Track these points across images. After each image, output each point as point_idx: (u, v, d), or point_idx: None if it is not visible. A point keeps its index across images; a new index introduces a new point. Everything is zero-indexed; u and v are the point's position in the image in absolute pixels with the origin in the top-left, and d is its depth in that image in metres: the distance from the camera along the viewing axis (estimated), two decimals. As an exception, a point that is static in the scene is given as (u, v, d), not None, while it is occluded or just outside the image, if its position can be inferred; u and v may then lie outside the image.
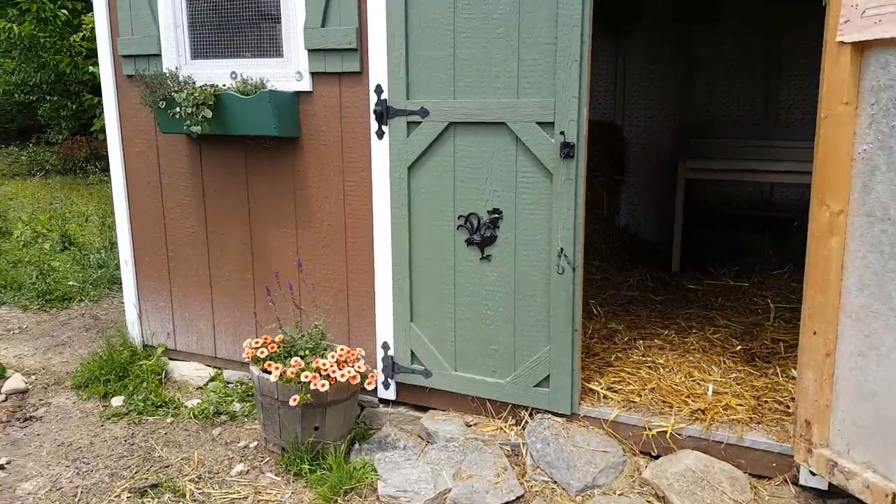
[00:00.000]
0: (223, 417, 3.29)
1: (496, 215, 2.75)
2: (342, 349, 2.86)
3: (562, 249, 2.61)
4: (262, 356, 2.85)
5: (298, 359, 2.80)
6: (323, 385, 2.71)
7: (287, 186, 3.15)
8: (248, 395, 3.42)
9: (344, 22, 2.83)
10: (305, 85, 2.98)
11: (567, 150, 2.50)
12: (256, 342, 2.85)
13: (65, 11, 9.74)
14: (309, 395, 2.72)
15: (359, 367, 2.83)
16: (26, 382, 3.45)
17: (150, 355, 3.60)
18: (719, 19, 5.07)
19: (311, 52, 2.92)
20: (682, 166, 4.78)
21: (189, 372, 3.53)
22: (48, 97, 12.43)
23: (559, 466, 2.62)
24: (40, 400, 3.38)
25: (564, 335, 2.74)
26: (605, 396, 2.98)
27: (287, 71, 3.00)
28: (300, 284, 3.20)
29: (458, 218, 2.82)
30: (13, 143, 14.44)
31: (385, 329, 3.07)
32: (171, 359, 3.63)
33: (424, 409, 3.13)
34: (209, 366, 3.58)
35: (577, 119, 2.49)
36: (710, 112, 5.27)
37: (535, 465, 2.68)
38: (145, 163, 3.46)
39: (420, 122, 2.78)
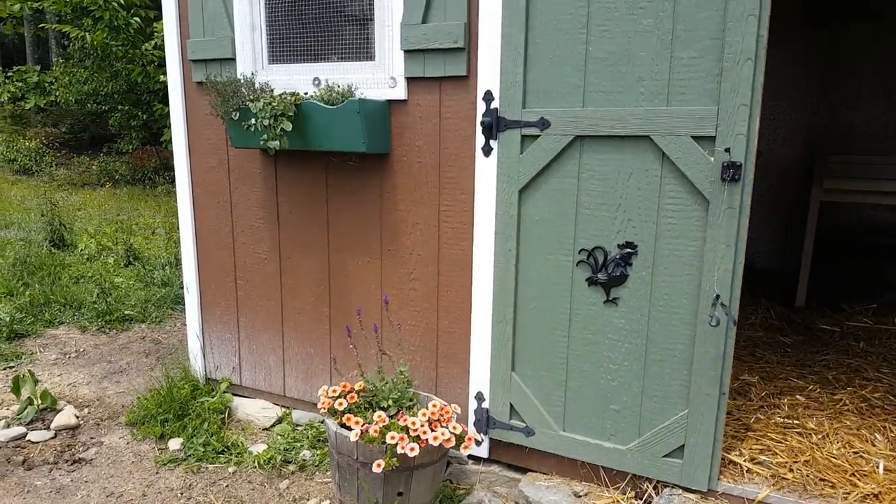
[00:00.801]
0: (291, 468, 2.93)
1: (629, 250, 2.29)
2: (434, 405, 2.45)
3: (718, 297, 2.13)
4: (341, 408, 2.47)
5: (382, 413, 2.40)
6: (412, 449, 2.31)
7: (372, 210, 2.79)
8: (319, 441, 3.06)
9: (449, 16, 2.45)
10: (399, 92, 2.61)
11: (732, 172, 2.02)
12: (334, 391, 2.47)
13: (137, 19, 9.87)
14: (395, 460, 2.32)
15: (453, 428, 2.41)
16: (78, 417, 3.19)
17: (212, 390, 3.29)
18: (864, 18, 4.45)
19: (408, 53, 2.55)
20: (818, 187, 4.18)
21: (254, 411, 3.20)
22: (119, 107, 12.75)
23: (709, 571, 2.12)
24: (91, 438, 3.11)
25: (709, 399, 2.26)
26: (748, 470, 2.48)
27: (379, 76, 2.64)
28: (382, 321, 2.82)
29: (580, 252, 2.37)
30: (85, 153, 14.91)
31: (480, 377, 2.64)
32: (235, 394, 3.31)
33: (523, 471, 2.70)
34: (277, 404, 3.24)
35: (747, 133, 2.01)
36: (849, 123, 4.63)
37: (676, 566, 2.19)
38: (215, 180, 3.17)
39: (538, 136, 2.36)
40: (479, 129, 2.48)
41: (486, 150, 2.47)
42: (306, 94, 2.69)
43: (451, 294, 2.66)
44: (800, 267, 4.36)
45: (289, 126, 2.54)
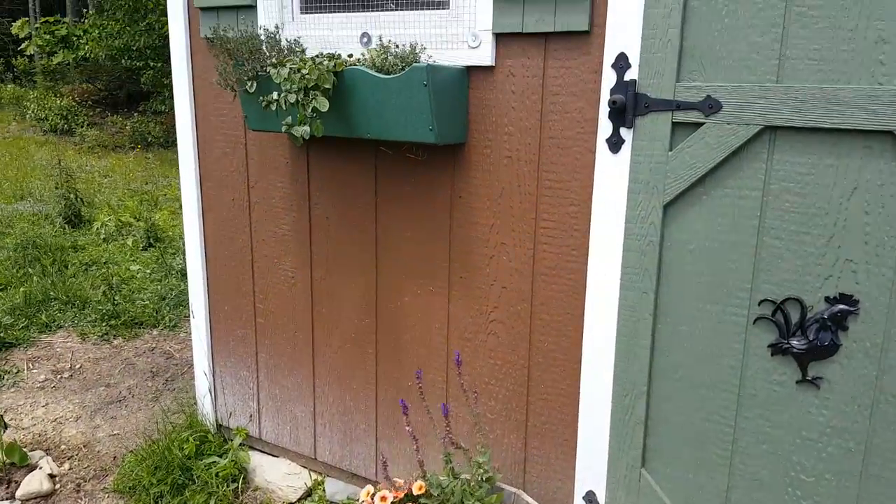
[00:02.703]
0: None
1: (844, 307, 1.55)
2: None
3: None
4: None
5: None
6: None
7: (438, 220, 2.11)
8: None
9: (566, -60, 1.71)
10: (484, 55, 1.90)
11: None
12: (383, 499, 1.81)
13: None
14: None
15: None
16: (54, 479, 2.63)
17: (224, 443, 2.71)
18: None
19: (499, -3, 1.84)
20: None
21: (277, 477, 2.61)
22: (151, 63, 12.36)
23: None
24: (69, 509, 2.56)
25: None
26: None
27: (454, 32, 1.94)
28: (450, 388, 2.16)
29: (760, 304, 1.64)
30: (120, 111, 14.67)
31: (592, 469, 1.96)
32: (253, 448, 2.73)
33: None
34: (306, 468, 2.63)
35: None
36: None
37: None
38: (228, 170, 2.54)
39: (700, 125, 1.63)
40: (603, 111, 1.75)
41: (614, 144, 1.75)
42: (351, 56, 2.00)
43: (551, 345, 1.98)
44: None
45: (324, 104, 1.87)
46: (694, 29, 1.62)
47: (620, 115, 1.72)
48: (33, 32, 13.54)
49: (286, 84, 1.89)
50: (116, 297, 4.58)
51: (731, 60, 1.59)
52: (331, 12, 2.18)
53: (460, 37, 1.94)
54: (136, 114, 13.63)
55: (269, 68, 1.98)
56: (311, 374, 2.51)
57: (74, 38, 12.97)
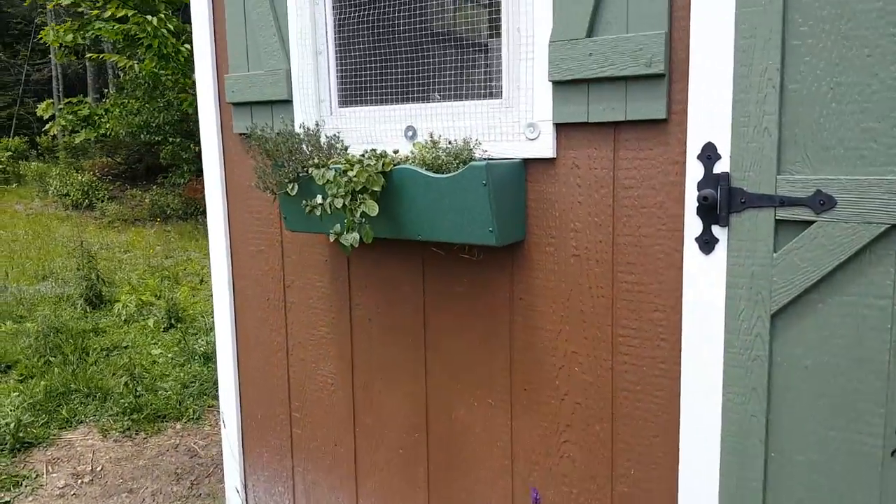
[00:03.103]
0: None
1: None
2: None
3: None
4: None
5: None
6: None
7: (497, 325, 1.88)
8: None
9: (636, 22, 1.54)
10: (543, 146, 1.71)
11: None
12: None
13: (188, 47, 9.49)
14: None
15: None
16: None
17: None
18: None
19: (561, 86, 1.66)
20: None
21: None
22: (170, 138, 12.51)
23: None
24: None
25: None
26: None
27: (509, 122, 1.76)
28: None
29: None
30: (139, 184, 14.82)
31: None
32: (290, 570, 2.44)
33: None
34: None
35: None
36: None
37: None
38: (263, 269, 2.35)
39: (811, 223, 1.41)
40: (689, 206, 1.54)
41: (706, 243, 1.53)
42: (397, 153, 1.82)
43: (638, 474, 1.72)
44: None
45: (374, 208, 1.68)
46: (794, 115, 1.42)
47: (712, 212, 1.51)
48: (57, 113, 13.79)
49: (331, 188, 1.70)
50: (138, 388, 4.37)
51: (842, 150, 1.38)
52: (371, 104, 2.01)
53: (516, 128, 1.75)
54: (154, 186, 13.73)
55: (311, 169, 1.80)
56: (355, 495, 2.24)
57: (96, 118, 13.18)
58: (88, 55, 11.14)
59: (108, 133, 12.83)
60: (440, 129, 1.86)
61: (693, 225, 1.55)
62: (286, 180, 1.84)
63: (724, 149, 1.49)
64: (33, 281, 7.83)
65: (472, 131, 1.81)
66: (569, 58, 1.63)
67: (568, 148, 1.71)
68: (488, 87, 1.84)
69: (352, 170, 1.68)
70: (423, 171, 1.70)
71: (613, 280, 1.70)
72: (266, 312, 2.37)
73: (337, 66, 2.05)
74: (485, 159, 1.74)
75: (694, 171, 1.53)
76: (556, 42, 1.64)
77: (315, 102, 2.05)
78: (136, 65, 9.84)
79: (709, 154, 1.51)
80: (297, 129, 1.93)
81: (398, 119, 1.94)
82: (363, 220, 1.70)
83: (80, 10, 9.91)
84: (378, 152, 1.78)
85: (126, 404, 4.05)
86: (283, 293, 2.32)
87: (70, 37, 9.95)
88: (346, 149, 1.90)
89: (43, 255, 9.23)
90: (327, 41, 2.05)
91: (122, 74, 12.44)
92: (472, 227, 1.67)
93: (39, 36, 10.41)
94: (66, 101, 13.96)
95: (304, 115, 2.07)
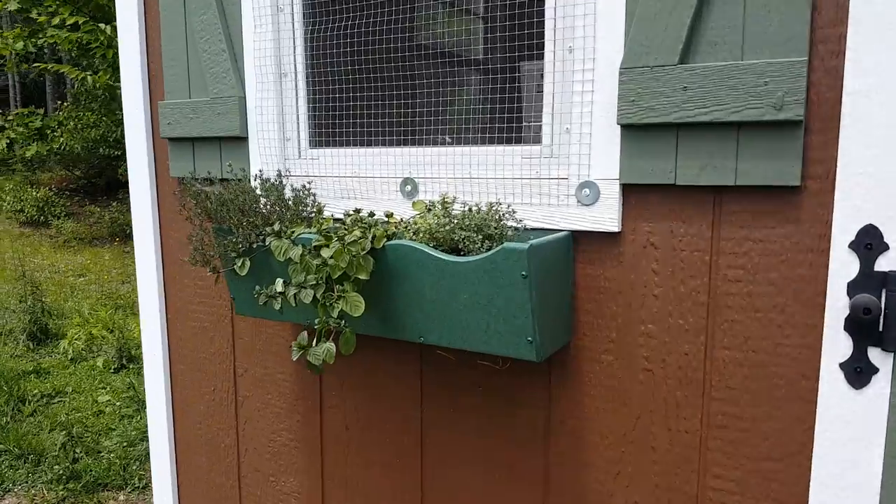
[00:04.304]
0: None
1: None
2: None
3: None
4: None
5: None
6: None
7: (524, 456, 1.34)
8: None
9: (756, 46, 1.02)
10: (604, 216, 1.18)
11: None
12: None
13: (146, 59, 8.80)
14: None
15: None
16: None
17: None
18: None
19: (634, 130, 1.13)
20: None
21: None
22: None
23: None
24: None
25: None
26: None
27: (552, 178, 1.22)
28: None
29: None
30: (99, 200, 13.95)
31: None
32: None
33: None
34: None
35: None
36: None
37: None
38: (206, 351, 1.76)
39: None
40: (833, 317, 1.02)
41: (857, 373, 1.01)
42: (390, 217, 1.27)
43: None
44: None
45: (359, 306, 1.12)
46: None
47: (872, 330, 0.99)
48: (6, 125, 12.87)
49: (297, 272, 1.14)
50: (77, 450, 3.70)
51: None
52: (354, 146, 1.46)
53: (563, 187, 1.22)
54: (115, 203, 12.89)
55: (269, 238, 1.24)
56: None
57: (48, 131, 12.32)
58: (35, 65, 10.28)
59: (62, 147, 11.98)
60: (451, 185, 1.31)
61: (837, 344, 1.03)
62: (233, 254, 1.27)
63: (893, 236, 0.97)
64: (-29, 312, 7.02)
65: (497, 188, 1.27)
66: (650, 92, 1.10)
67: (640, 219, 1.18)
68: (521, 129, 1.30)
69: (328, 247, 1.12)
70: (431, 250, 1.15)
71: (704, 410, 1.17)
72: (210, 407, 1.79)
73: (308, 93, 1.49)
74: (517, 229, 1.20)
75: (843, 266, 1.01)
76: (629, 69, 1.11)
77: (278, 141, 1.48)
78: (88, 77, 9.08)
79: (869, 242, 0.99)
80: (253, 180, 1.36)
81: (392, 167, 1.39)
82: (342, 320, 1.14)
83: (30, 15, 9.14)
84: (365, 216, 1.23)
85: (62, 471, 3.40)
86: (234, 384, 1.74)
87: (20, 44, 9.17)
88: (320, 209, 1.34)
89: (-15, 280, 8.40)
90: (295, 60, 1.49)
91: (75, 85, 11.64)
92: (501, 335, 1.12)
93: (-12, 42, 9.59)
94: (16, 111, 13.03)
95: (262, 159, 1.50)
